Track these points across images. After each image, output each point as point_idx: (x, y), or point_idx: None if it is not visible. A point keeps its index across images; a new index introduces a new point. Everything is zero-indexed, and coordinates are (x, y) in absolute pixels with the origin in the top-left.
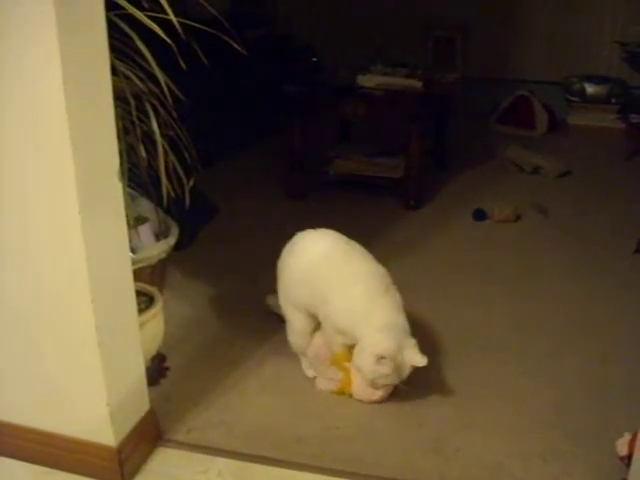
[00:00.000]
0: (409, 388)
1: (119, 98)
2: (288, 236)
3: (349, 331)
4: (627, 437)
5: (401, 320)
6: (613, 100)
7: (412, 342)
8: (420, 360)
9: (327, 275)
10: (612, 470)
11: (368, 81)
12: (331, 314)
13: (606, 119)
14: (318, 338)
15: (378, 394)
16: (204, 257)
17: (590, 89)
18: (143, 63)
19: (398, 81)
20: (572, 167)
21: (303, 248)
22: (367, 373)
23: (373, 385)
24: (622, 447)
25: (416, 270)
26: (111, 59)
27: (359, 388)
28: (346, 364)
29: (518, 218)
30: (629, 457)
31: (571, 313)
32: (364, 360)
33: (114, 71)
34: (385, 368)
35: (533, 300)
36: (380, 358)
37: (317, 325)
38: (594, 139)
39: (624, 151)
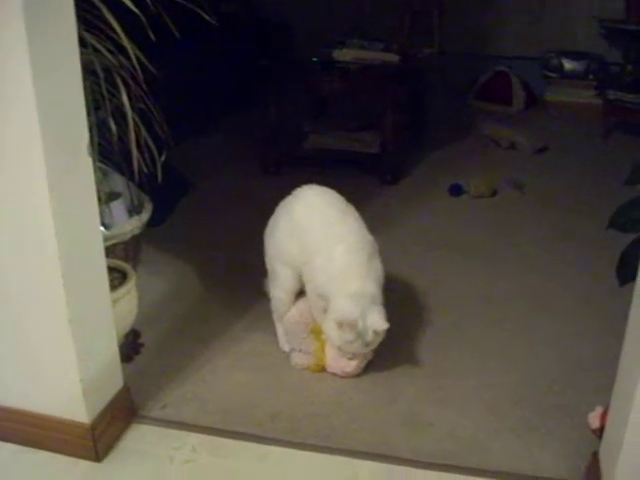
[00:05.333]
0: (374, 357)
1: (88, 71)
2: (263, 211)
3: (326, 294)
4: (599, 410)
5: (374, 290)
6: (591, 76)
7: (377, 308)
8: (381, 324)
9: (318, 231)
10: (584, 443)
11: (344, 55)
12: (313, 274)
13: (583, 95)
14: (302, 303)
15: (352, 365)
16: (179, 233)
17: (568, 65)
18: (113, 35)
19: (374, 55)
20: (549, 143)
21: (302, 201)
22: (333, 339)
23: (341, 352)
24: (594, 420)
25: (392, 244)
26: (79, 31)
27: (332, 360)
28: (324, 335)
29: (494, 193)
30: (601, 430)
31: (546, 287)
32: (328, 326)
33: (83, 43)
34: (348, 334)
35: (508, 274)
36: (341, 324)
37: (299, 293)
38: (571, 115)
39: (601, 127)
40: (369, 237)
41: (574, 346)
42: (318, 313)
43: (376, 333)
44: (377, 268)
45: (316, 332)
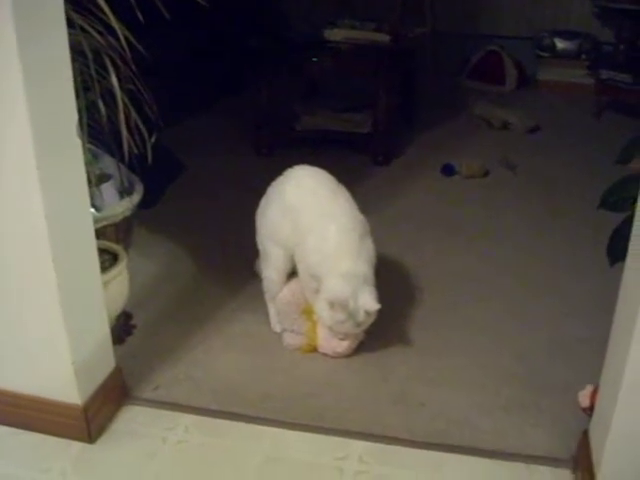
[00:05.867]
0: (375, 329)
1: (77, 52)
2: (255, 192)
3: (318, 274)
4: (589, 389)
5: (366, 270)
6: (583, 56)
7: (369, 289)
8: (372, 305)
9: (309, 211)
10: (576, 421)
11: (335, 35)
12: (306, 254)
13: (576, 74)
14: (294, 284)
15: (343, 346)
16: (171, 215)
17: (560, 44)
18: (101, 16)
19: (365, 35)
20: (541, 122)
21: (293, 181)
22: (324, 319)
23: (333, 332)
24: (584, 399)
25: (384, 224)
26: (67, 11)
27: (324, 340)
28: (316, 316)
29: (486, 173)
30: (591, 408)
31: (537, 266)
32: (320, 305)
33: (71, 24)
34: (339, 314)
35: (500, 253)
36: (332, 304)
37: (291, 274)
38: (563, 95)
39: (593, 106)
40: (360, 217)
41: (565, 324)
42: (310, 293)
43: (367, 313)
44: (369, 248)
45: (308, 312)
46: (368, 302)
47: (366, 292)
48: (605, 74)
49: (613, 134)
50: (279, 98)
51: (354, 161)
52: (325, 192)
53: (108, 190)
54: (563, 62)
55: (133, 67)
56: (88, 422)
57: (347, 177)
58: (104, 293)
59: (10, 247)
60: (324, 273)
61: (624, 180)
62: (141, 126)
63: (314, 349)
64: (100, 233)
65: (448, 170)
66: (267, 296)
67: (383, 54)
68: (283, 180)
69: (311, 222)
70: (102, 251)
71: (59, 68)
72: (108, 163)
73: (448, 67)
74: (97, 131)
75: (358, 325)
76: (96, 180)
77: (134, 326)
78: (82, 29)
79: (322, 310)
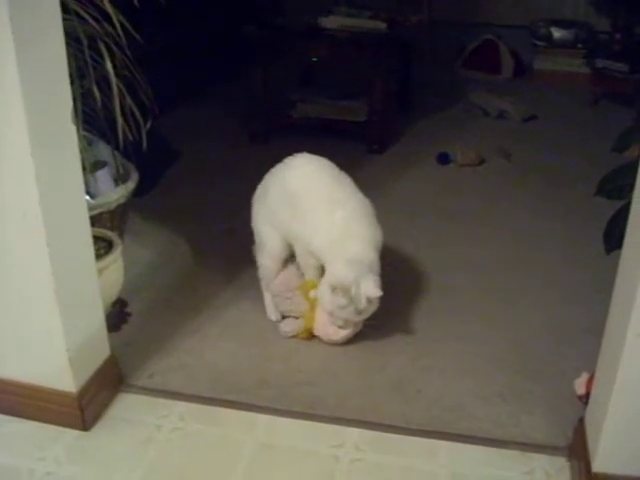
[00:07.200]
0: (376, 323)
1: (72, 38)
2: (251, 180)
3: (320, 254)
4: (585, 377)
5: (372, 257)
6: (579, 45)
7: (372, 276)
8: (374, 291)
9: (314, 198)
10: (571, 408)
11: (331, 23)
12: (307, 235)
13: (572, 64)
14: (290, 267)
15: (340, 334)
16: (166, 202)
17: (557, 33)
18: (96, 1)
19: (362, 22)
20: (537, 111)
21: (296, 169)
22: (325, 304)
23: (333, 319)
24: (580, 386)
25: (380, 213)
26: None
27: (321, 325)
28: (312, 293)
29: (482, 162)
30: (587, 396)
31: (533, 254)
32: (322, 289)
33: (66, 10)
34: (340, 299)
35: (496, 241)
36: (334, 288)
37: (287, 260)
38: (560, 84)
39: (589, 96)
40: (366, 201)
41: (561, 312)
42: (308, 269)
43: (369, 301)
44: (376, 233)
45: (302, 289)
46: (370, 289)
47: (369, 279)
48: (601, 63)
49: (609, 123)
50: (275, 86)
51: (349, 149)
52: (329, 179)
53: (103, 177)
54: (559, 51)
55: (128, 53)
56: (82, 410)
57: (342, 165)
58: (99, 280)
59: (4, 234)
60: (330, 258)
61: (620, 168)
62: (136, 113)
63: (310, 333)
64: (95, 220)
65: (444, 158)
66: (263, 284)
67: (379, 42)
68: (284, 168)
69: (317, 209)
70: (97, 238)
71: (54, 55)
72: (103, 150)
73: (445, 56)
74: (92, 118)
75: (359, 313)
76: (91, 167)
77: (129, 314)
78: (77, 15)
79: (324, 294)
